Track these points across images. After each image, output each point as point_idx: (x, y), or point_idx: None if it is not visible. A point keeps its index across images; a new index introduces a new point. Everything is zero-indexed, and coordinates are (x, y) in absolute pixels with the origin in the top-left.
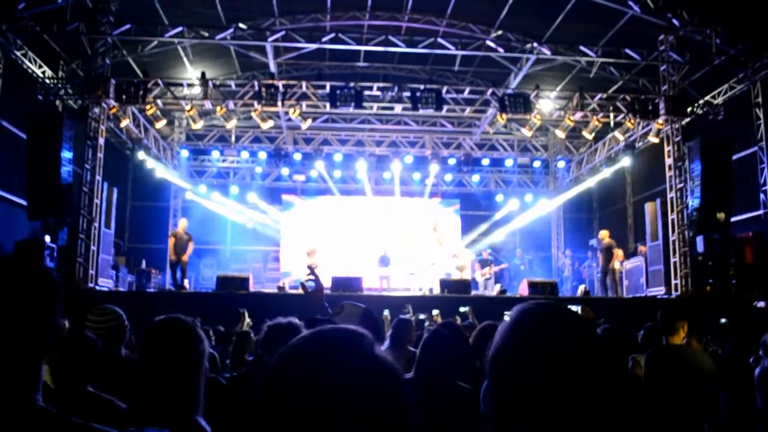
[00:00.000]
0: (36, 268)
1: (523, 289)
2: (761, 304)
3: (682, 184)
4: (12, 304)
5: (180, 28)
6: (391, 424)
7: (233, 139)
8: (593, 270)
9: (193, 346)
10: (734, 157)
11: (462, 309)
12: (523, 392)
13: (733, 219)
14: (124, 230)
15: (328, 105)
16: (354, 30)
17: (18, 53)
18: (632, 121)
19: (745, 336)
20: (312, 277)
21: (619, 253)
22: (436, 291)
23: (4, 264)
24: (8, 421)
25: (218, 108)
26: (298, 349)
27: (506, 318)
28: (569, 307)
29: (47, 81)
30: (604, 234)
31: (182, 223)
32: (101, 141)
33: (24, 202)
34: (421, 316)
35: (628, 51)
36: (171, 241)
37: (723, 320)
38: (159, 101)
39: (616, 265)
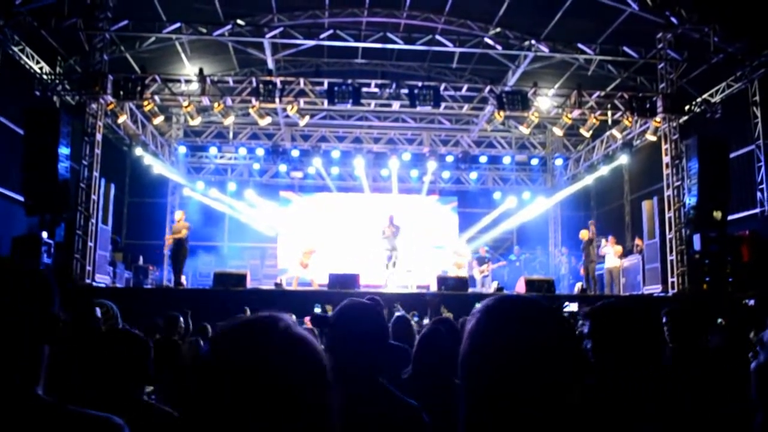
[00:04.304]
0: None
1: (520, 287)
2: (751, 302)
3: (679, 182)
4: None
5: (178, 24)
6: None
7: (231, 135)
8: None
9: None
10: (731, 155)
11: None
12: (500, 392)
13: (730, 217)
14: (121, 226)
15: (326, 102)
16: (352, 27)
17: (15, 49)
18: (630, 118)
19: (732, 332)
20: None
21: (617, 249)
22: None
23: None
24: (7, 411)
25: (216, 104)
26: (229, 329)
27: (475, 311)
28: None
29: (44, 77)
30: (583, 234)
31: (179, 215)
32: (99, 137)
33: (21, 198)
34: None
35: (626, 49)
36: (180, 232)
37: (720, 320)
38: (156, 97)
39: (614, 262)
